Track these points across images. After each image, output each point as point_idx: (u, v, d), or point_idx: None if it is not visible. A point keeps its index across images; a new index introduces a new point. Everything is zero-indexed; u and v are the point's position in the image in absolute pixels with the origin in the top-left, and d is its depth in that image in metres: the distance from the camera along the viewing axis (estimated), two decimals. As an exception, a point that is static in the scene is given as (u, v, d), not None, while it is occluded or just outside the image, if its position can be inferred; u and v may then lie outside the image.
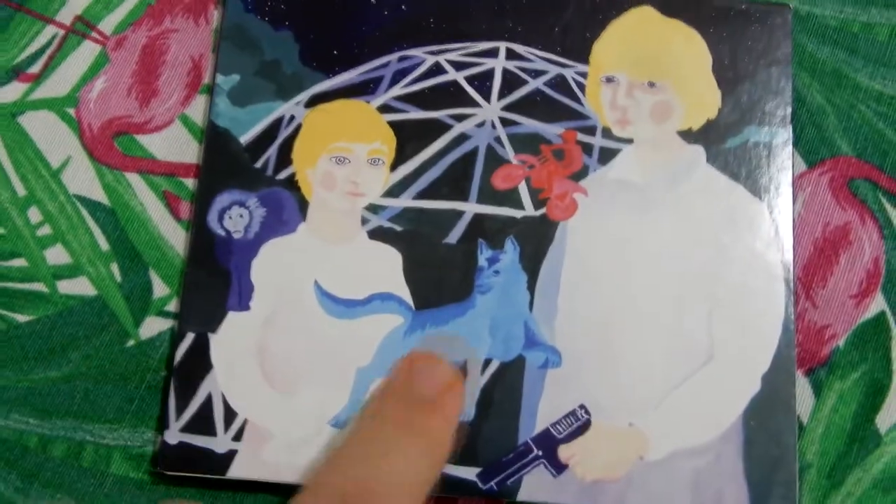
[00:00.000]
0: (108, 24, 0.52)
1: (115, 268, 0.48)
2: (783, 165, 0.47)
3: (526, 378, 0.45)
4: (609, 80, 0.49)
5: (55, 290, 0.48)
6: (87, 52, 0.51)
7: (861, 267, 0.48)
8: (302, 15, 0.50)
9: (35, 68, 0.51)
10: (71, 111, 0.50)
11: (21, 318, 0.48)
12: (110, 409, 0.47)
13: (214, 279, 0.46)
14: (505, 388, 0.45)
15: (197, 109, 0.50)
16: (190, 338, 0.46)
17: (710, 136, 0.48)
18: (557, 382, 0.45)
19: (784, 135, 0.48)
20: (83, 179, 0.49)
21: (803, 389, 0.46)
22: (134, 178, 0.49)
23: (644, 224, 0.47)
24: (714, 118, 0.48)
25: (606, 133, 0.48)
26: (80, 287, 0.48)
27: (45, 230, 0.49)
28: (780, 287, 0.46)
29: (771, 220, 0.47)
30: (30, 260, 0.49)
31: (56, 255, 0.49)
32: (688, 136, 0.48)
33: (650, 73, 0.49)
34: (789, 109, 0.48)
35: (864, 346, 0.47)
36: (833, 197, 0.48)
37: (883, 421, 0.46)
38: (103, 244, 0.49)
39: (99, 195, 0.49)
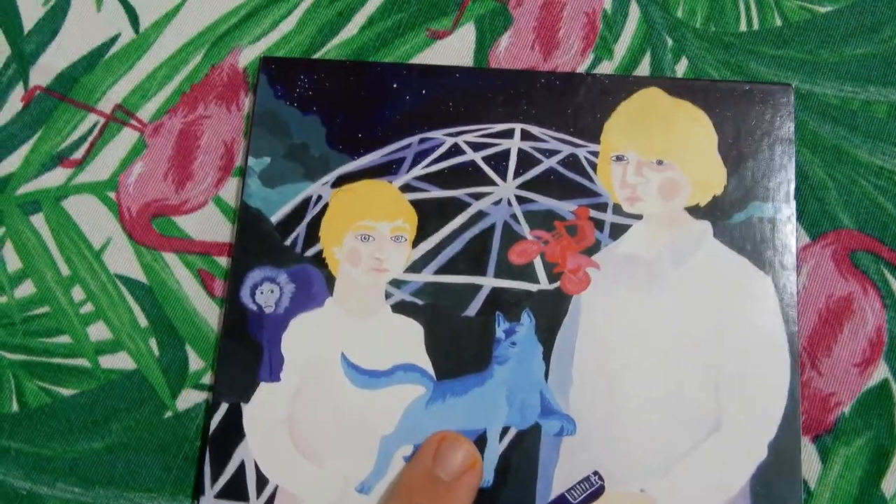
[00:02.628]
0: (145, 111, 0.55)
1: (153, 343, 0.51)
2: (787, 240, 0.49)
3: (542, 445, 0.47)
4: (619, 158, 0.51)
5: (97, 365, 0.51)
6: (126, 138, 0.54)
7: (864, 336, 0.49)
8: (328, 101, 0.53)
9: (78, 154, 0.54)
10: (111, 195, 0.53)
11: (66, 392, 0.50)
12: (150, 478, 0.49)
13: (247, 352, 0.49)
14: (522, 455, 0.47)
15: (230, 191, 0.53)
16: (224, 408, 0.48)
17: (716, 212, 0.49)
18: (572, 449, 0.47)
19: (787, 210, 0.49)
20: (123, 259, 0.52)
21: (810, 456, 0.47)
22: (171, 258, 0.52)
23: (654, 297, 0.48)
24: (720, 194, 0.50)
25: (617, 209, 0.50)
26: (120, 362, 0.51)
27: (88, 308, 0.52)
28: (785, 357, 0.47)
29: (776, 293, 0.48)
30: (73, 337, 0.51)
31: (98, 332, 0.51)
32: (695, 211, 0.50)
33: (658, 151, 0.50)
34: (792, 186, 0.50)
35: (869, 413, 0.48)
36: (836, 268, 0.49)
37: (888, 486, 0.47)
38: (142, 321, 0.51)
39: (138, 274, 0.52)
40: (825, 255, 0.50)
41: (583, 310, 0.48)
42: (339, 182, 0.51)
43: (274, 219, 0.51)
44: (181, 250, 0.52)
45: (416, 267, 0.50)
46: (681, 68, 0.53)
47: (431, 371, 0.48)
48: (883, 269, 0.49)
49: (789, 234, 0.49)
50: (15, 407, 0.50)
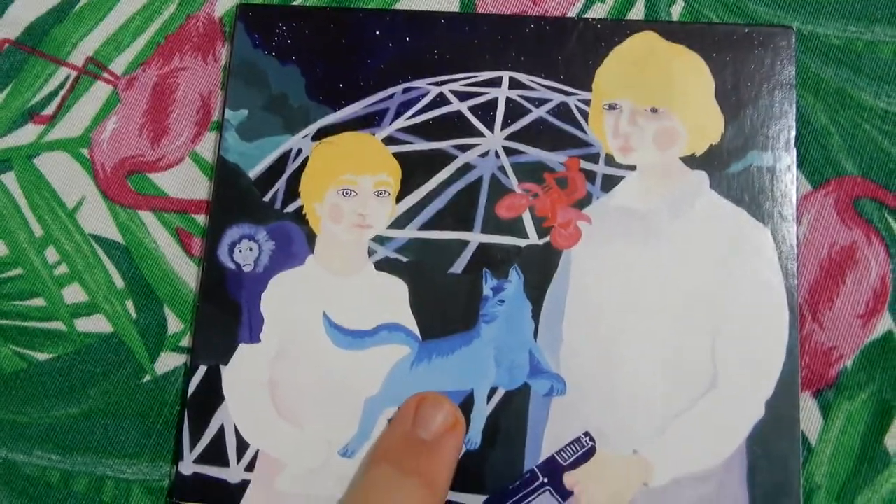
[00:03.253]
0: (118, 64, 0.53)
1: (130, 305, 0.50)
2: (787, 190, 0.47)
3: (531, 406, 0.46)
4: (611, 107, 0.49)
5: (73, 329, 0.49)
6: (99, 92, 0.53)
7: (868, 286, 0.47)
8: (308, 50, 0.51)
9: (49, 110, 0.53)
10: (84, 151, 0.52)
11: (41, 356, 0.49)
12: (129, 443, 0.48)
13: (225, 312, 0.47)
14: (510, 417, 0.46)
15: (207, 146, 0.51)
16: (202, 370, 0.47)
17: (713, 162, 0.48)
18: (562, 410, 0.46)
19: (787, 159, 0.48)
20: (98, 219, 0.51)
21: (811, 411, 0.46)
22: (147, 217, 0.51)
23: (648, 251, 0.47)
24: (717, 143, 0.48)
25: (609, 160, 0.48)
26: (97, 325, 0.50)
27: (63, 269, 0.50)
28: (784, 312, 0.46)
29: (775, 245, 0.47)
30: (48, 299, 0.50)
31: (73, 294, 0.50)
32: (691, 161, 0.48)
33: (653, 99, 0.49)
34: (793, 133, 0.48)
35: (872, 366, 0.47)
36: (838, 217, 0.48)
37: (892, 441, 0.46)
38: (119, 282, 0.50)
39: (113, 234, 0.51)
40: (827, 203, 0.48)
41: (574, 265, 0.47)
42: (320, 135, 0.50)
43: (252, 174, 0.49)
44: (158, 208, 0.51)
45: (400, 223, 0.48)
46: (677, 10, 0.52)
47: (417, 331, 0.47)
48: (887, 217, 0.48)
49: (789, 183, 0.47)
50: (-11, 372, 0.49)
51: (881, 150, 0.49)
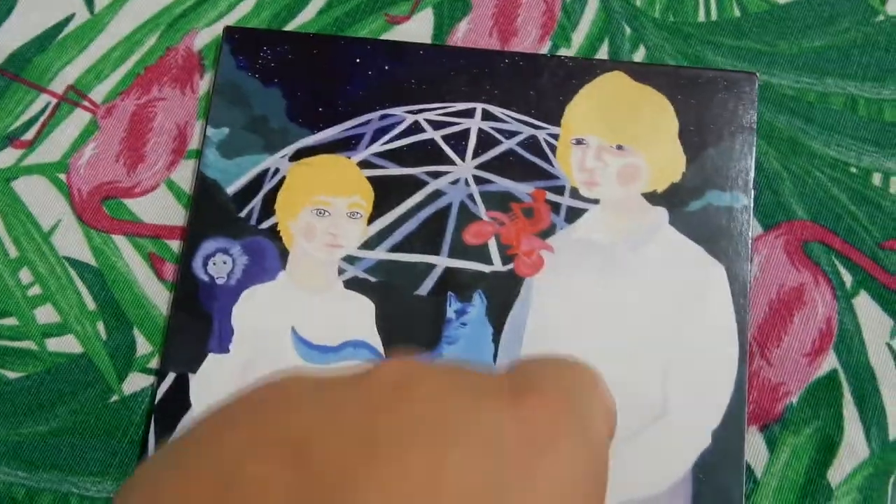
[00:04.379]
0: (98, 93, 0.54)
1: (100, 327, 0.50)
2: (742, 229, 0.49)
3: (488, 426, 0.47)
4: (579, 142, 0.51)
5: (44, 348, 0.50)
6: (78, 119, 0.54)
7: (814, 327, 0.49)
8: (290, 73, 0.52)
9: (29, 135, 0.54)
10: (62, 176, 0.53)
11: (11, 374, 0.50)
12: (95, 462, 0.48)
13: (197, 322, 0.49)
14: (468, 435, 0.47)
15: (181, 174, 0.53)
16: (171, 377, 0.48)
17: (673, 199, 0.49)
18: (518, 431, 0.47)
19: (745, 200, 0.49)
20: (72, 242, 0.52)
21: (758, 445, 0.47)
22: (121, 241, 0.52)
23: (607, 282, 0.49)
24: (678, 181, 0.50)
25: (574, 193, 0.50)
26: (67, 345, 0.50)
27: (36, 290, 0.51)
28: (734, 346, 0.47)
29: (728, 282, 0.48)
30: (20, 319, 0.51)
31: (45, 315, 0.51)
32: (652, 198, 0.50)
33: (619, 136, 0.51)
34: (751, 175, 0.50)
35: (817, 402, 0.48)
36: (788, 259, 0.50)
37: (834, 475, 0.47)
38: (90, 304, 0.51)
39: (87, 257, 0.51)
40: (778, 245, 0.50)
41: (535, 293, 0.49)
42: (298, 156, 0.51)
43: (230, 190, 0.51)
44: (131, 233, 0.52)
45: (370, 244, 0.50)
46: (638, 57, 0.54)
47: (381, 348, 0.48)
48: (835, 261, 0.50)
49: (745, 223, 0.49)
50: (-41, 389, 0.50)
51: (830, 197, 0.51)
